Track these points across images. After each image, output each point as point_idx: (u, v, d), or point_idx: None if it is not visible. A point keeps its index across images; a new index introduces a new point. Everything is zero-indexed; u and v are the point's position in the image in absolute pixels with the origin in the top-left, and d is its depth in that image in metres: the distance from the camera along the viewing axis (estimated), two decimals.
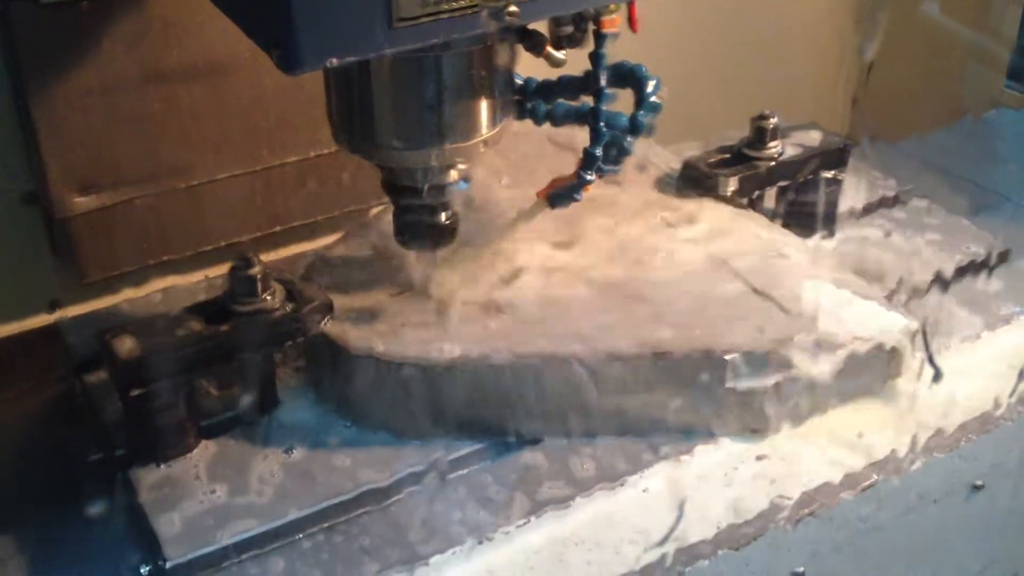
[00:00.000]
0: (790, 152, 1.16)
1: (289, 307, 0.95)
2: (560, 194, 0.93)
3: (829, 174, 1.18)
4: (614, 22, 0.87)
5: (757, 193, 1.17)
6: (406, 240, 0.98)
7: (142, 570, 0.88)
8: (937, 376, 1.06)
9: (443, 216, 0.95)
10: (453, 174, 0.93)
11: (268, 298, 0.94)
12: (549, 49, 0.87)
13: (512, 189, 1.14)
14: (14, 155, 1.13)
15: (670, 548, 0.89)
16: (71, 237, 1.14)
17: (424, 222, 0.95)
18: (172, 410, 0.93)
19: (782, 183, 1.17)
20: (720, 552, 0.89)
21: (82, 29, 1.06)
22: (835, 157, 1.18)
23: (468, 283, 1.00)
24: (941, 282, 1.17)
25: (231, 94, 1.15)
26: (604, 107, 0.90)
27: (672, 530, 0.91)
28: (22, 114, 1.10)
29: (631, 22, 0.88)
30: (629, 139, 0.92)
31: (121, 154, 1.13)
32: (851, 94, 1.65)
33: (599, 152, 0.89)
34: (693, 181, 1.16)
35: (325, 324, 0.96)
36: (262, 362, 0.96)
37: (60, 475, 0.98)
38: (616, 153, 0.92)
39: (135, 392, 0.90)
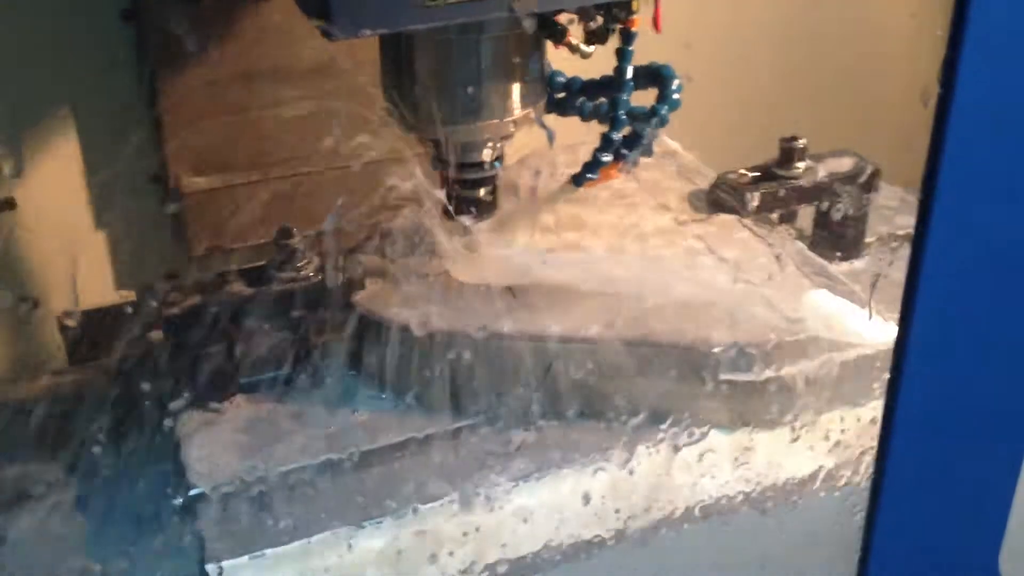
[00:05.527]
0: (820, 174, 1.21)
1: (321, 277, 1.03)
2: (579, 173, 1.04)
3: (858, 198, 1.21)
4: (634, 22, 0.96)
5: (783, 212, 1.22)
6: (454, 210, 1.07)
7: (175, 500, 0.97)
8: None
9: (484, 190, 1.05)
10: (489, 151, 1.03)
11: (306, 268, 1.04)
12: (570, 38, 0.97)
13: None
14: (145, 138, 1.28)
15: (643, 522, 0.95)
16: (183, 214, 1.28)
17: (468, 195, 1.05)
18: (211, 360, 1.01)
19: (806, 203, 1.22)
20: (686, 526, 0.95)
21: (204, 26, 1.20)
22: (865, 182, 1.21)
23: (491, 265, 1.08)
24: None
25: (331, 94, 1.29)
26: (626, 97, 1.00)
27: (648, 507, 0.96)
28: (151, 101, 1.25)
29: (655, 22, 0.97)
30: (647, 129, 1.01)
31: (232, 142, 1.26)
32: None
33: (615, 136, 0.99)
34: (720, 195, 1.22)
35: (355, 296, 1.04)
36: (297, 325, 1.04)
37: (127, 420, 1.07)
38: (633, 140, 1.01)
39: (175, 341, 1.01)
